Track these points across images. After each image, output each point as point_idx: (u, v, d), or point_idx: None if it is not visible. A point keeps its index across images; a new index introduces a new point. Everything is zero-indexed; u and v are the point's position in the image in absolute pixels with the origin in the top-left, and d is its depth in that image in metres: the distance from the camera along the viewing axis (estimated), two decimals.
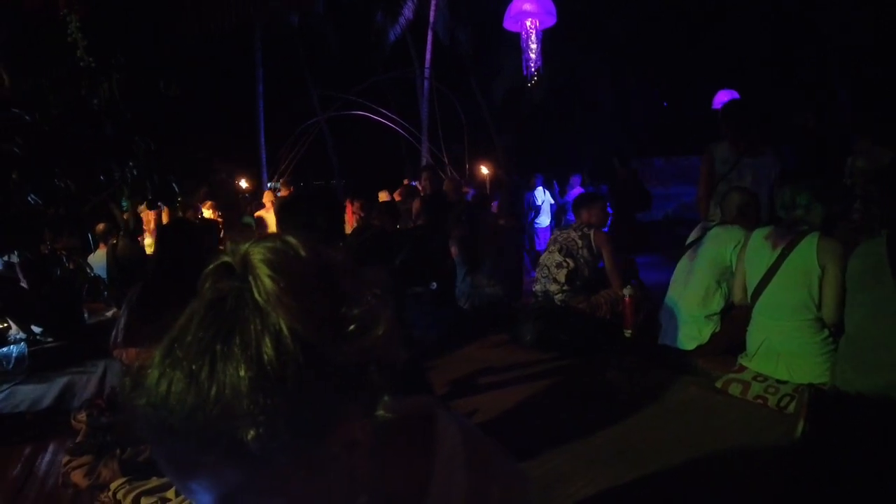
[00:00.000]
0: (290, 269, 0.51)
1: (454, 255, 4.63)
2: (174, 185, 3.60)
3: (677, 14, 13.16)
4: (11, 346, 4.41)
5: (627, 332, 3.87)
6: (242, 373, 0.47)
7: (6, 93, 2.29)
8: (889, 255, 2.27)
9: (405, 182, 8.49)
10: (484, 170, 9.82)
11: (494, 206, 7.43)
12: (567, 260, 4.14)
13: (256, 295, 0.50)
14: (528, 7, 10.09)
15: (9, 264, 4.42)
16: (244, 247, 0.53)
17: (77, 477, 2.41)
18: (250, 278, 0.51)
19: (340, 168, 16.26)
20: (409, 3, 14.35)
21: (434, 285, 4.15)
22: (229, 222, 6.87)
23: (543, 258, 4.30)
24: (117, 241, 5.14)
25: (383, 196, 7.39)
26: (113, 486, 2.32)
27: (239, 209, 7.75)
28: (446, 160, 12.14)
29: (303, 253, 0.53)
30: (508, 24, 10.17)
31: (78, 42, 2.35)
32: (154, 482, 2.31)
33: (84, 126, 2.90)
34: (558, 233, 4.34)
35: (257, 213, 7.73)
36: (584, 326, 3.90)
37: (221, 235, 4.83)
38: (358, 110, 12.86)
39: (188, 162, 3.89)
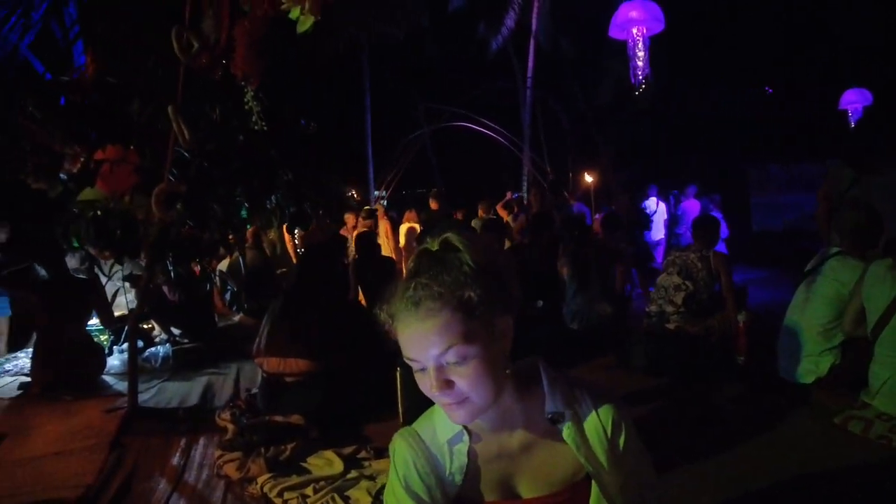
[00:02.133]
0: (465, 238, 1.01)
1: (564, 274, 4.66)
2: (308, 210, 3.98)
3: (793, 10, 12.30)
4: (159, 347, 4.99)
5: (740, 359, 3.75)
6: (460, 271, 0.95)
7: (187, 144, 2.67)
8: None
9: (508, 195, 8.56)
10: (588, 179, 9.71)
11: (599, 218, 7.36)
12: (686, 283, 4.08)
13: (454, 246, 1.00)
14: (634, 14, 9.88)
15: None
16: (442, 236, 1.02)
17: (229, 469, 2.73)
18: (451, 242, 1.00)
19: (442, 178, 16.64)
20: (511, 13, 14.48)
21: (540, 303, 4.21)
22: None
23: (661, 279, 4.26)
24: (246, 253, 5.66)
25: (482, 211, 7.52)
26: (260, 479, 2.62)
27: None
28: (549, 170, 12.10)
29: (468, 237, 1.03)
30: (614, 33, 10.01)
31: (252, 109, 2.70)
32: (295, 479, 2.59)
33: (235, 160, 3.32)
34: (677, 254, 4.28)
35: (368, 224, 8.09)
36: (697, 351, 3.82)
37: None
38: (460, 121, 13.11)
39: (322, 189, 4.26)
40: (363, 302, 4.79)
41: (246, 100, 2.66)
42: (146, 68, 3.35)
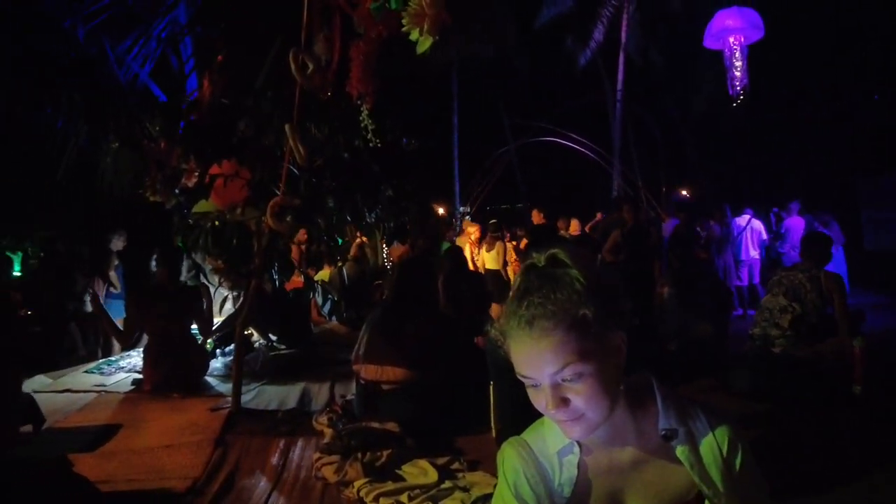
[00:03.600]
0: (572, 253, 1.01)
1: (664, 293, 4.51)
2: (407, 224, 4.12)
3: None
4: (258, 352, 5.24)
5: (857, 388, 3.46)
6: (572, 289, 0.94)
7: (302, 161, 2.85)
8: None
9: (598, 216, 8.40)
10: (684, 194, 9.34)
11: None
12: (793, 304, 3.82)
13: (562, 262, 0.99)
14: (731, 23, 9.48)
15: None
16: (548, 251, 1.02)
17: (327, 472, 2.82)
18: (558, 257, 1.00)
19: (529, 194, 16.57)
20: (600, 27, 14.30)
21: (636, 321, 4.06)
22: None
23: (766, 301, 4.02)
24: (344, 264, 5.89)
25: (574, 227, 7.42)
26: (356, 484, 2.68)
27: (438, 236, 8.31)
28: (640, 185, 11.77)
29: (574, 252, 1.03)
30: (709, 43, 9.63)
31: (367, 127, 2.84)
32: (390, 486, 2.63)
33: (340, 176, 3.50)
34: (783, 274, 4.03)
35: (458, 239, 8.18)
36: (807, 377, 3.56)
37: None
38: (548, 136, 13.05)
39: (418, 205, 4.39)
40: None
41: (361, 118, 2.79)
42: (256, 90, 3.60)
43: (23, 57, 5.57)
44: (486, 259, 7.27)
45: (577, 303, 0.94)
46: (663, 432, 1.04)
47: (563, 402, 0.95)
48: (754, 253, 8.55)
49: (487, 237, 7.33)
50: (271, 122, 3.39)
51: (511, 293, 1.04)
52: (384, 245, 6.28)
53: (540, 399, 0.97)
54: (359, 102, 2.69)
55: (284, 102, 3.28)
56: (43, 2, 5.98)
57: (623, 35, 13.69)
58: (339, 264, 5.86)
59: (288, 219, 3.02)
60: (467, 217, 11.16)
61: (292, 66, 2.69)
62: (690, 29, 10.56)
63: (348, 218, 3.93)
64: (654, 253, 4.51)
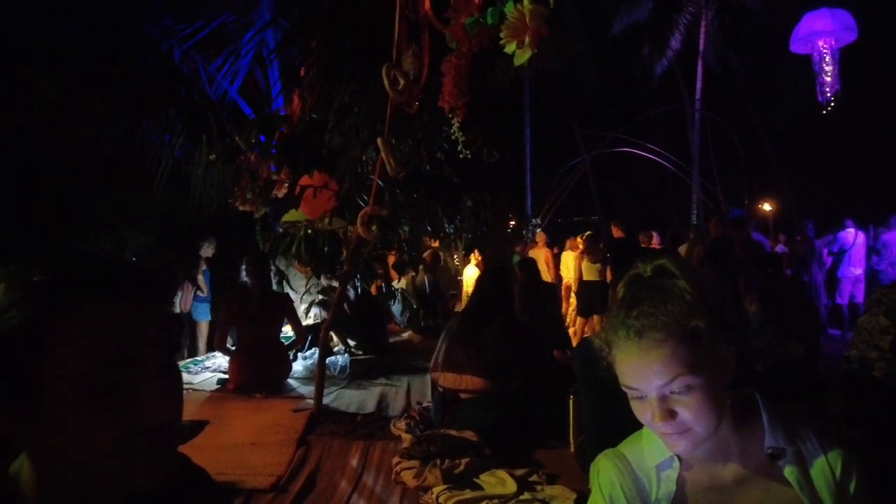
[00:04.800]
0: (679, 264, 1.02)
1: (751, 311, 4.33)
2: (485, 235, 4.19)
3: None
4: (338, 356, 5.42)
5: None
6: (683, 300, 0.95)
7: (393, 173, 2.97)
8: None
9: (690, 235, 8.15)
10: (767, 207, 8.92)
11: (781, 249, 6.74)
12: (894, 325, 3.58)
13: (670, 272, 1.01)
14: (820, 25, 9.01)
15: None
16: (654, 261, 1.03)
17: (406, 476, 2.88)
18: (666, 268, 1.01)
19: (602, 206, 16.28)
20: (677, 35, 13.95)
21: None
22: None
23: (863, 320, 3.77)
24: (418, 274, 6.02)
25: (656, 241, 7.26)
26: (435, 490, 2.72)
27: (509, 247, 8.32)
28: (721, 196, 11.33)
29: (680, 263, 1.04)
30: (796, 47, 9.18)
31: (458, 138, 2.94)
32: (469, 494, 2.66)
33: (422, 187, 3.62)
34: (883, 292, 3.77)
35: (530, 252, 8.18)
36: None
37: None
38: (622, 147, 12.81)
39: (496, 215, 4.46)
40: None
41: (452, 130, 2.88)
42: (344, 105, 3.77)
43: (124, 77, 6.04)
44: (585, 270, 7.29)
45: (688, 314, 0.94)
46: (769, 451, 1.01)
47: (671, 414, 0.95)
48: (858, 270, 8.02)
49: (586, 248, 7.33)
50: (358, 136, 3.55)
51: (615, 304, 1.05)
52: (459, 256, 6.36)
53: (645, 411, 0.98)
54: (450, 115, 2.77)
55: (370, 117, 3.42)
56: (143, 27, 6.47)
57: (701, 42, 13.30)
58: (415, 274, 5.99)
59: (374, 228, 3.14)
60: (538, 229, 11.10)
61: (385, 82, 2.80)
62: (774, 33, 10.11)
63: (429, 228, 4.04)
64: (739, 268, 4.33)
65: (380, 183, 3.37)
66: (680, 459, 1.06)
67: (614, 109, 14.69)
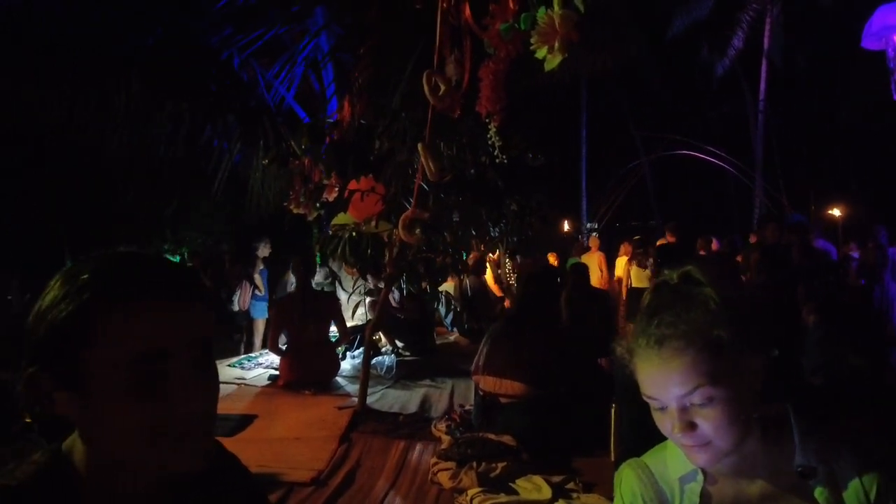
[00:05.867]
0: (707, 271, 0.97)
1: (809, 322, 4.12)
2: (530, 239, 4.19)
3: None
4: (384, 357, 5.51)
5: None
6: (706, 308, 0.92)
7: (434, 178, 3.02)
8: None
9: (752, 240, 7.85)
10: (836, 213, 8.49)
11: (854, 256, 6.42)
12: None
13: (696, 280, 0.97)
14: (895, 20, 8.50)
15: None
16: (682, 268, 0.99)
17: (442, 478, 2.91)
18: (692, 275, 0.97)
19: (662, 210, 15.87)
20: (740, 33, 13.45)
21: (775, 352, 3.76)
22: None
23: None
24: (466, 277, 6.06)
25: (715, 247, 7.05)
26: (470, 492, 2.74)
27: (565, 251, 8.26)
28: (785, 201, 10.84)
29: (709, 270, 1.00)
30: (868, 43, 8.65)
31: (495, 143, 2.97)
32: (503, 498, 2.66)
33: (467, 192, 3.66)
34: None
35: (583, 256, 8.10)
36: None
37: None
38: (681, 149, 12.45)
39: (541, 220, 4.46)
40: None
41: (489, 135, 2.91)
42: (392, 111, 3.85)
43: (190, 85, 6.36)
44: (634, 276, 7.23)
45: (710, 323, 0.91)
46: (799, 469, 0.97)
47: (691, 426, 0.92)
48: None
49: (633, 254, 7.30)
50: (405, 140, 3.62)
51: (640, 311, 1.04)
52: (506, 259, 6.38)
53: (666, 422, 0.95)
54: (487, 121, 2.79)
55: (417, 122, 3.48)
56: (206, 37, 6.79)
57: (766, 40, 12.78)
58: (462, 277, 6.03)
59: (417, 231, 3.19)
60: (594, 234, 10.93)
61: (425, 88, 2.84)
62: (845, 29, 9.61)
63: (473, 232, 4.07)
64: (797, 276, 4.14)
65: (424, 186, 3.42)
66: (705, 473, 1.03)
67: (674, 111, 14.29)
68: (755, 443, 0.99)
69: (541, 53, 2.12)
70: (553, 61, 2.08)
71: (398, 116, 3.73)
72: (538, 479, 2.80)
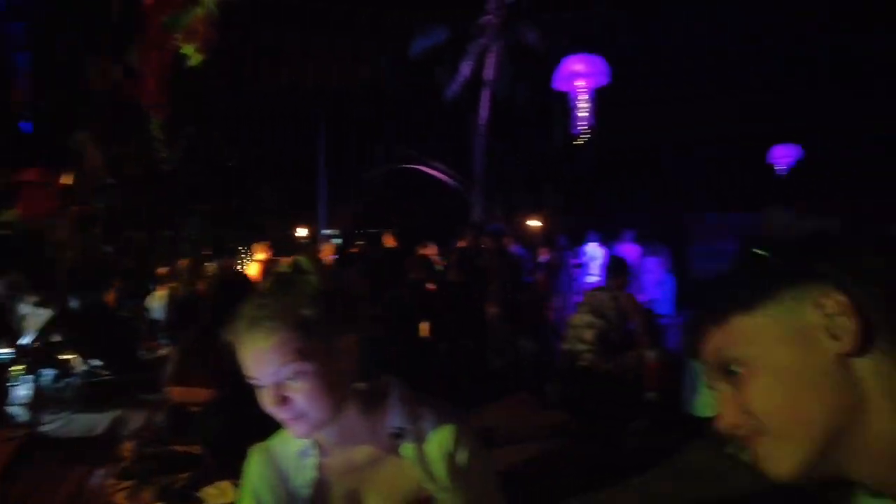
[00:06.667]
0: (316, 262, 1.10)
1: (492, 314, 4.76)
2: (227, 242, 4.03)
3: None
4: (75, 377, 4.82)
5: (651, 395, 3.89)
6: (301, 292, 1.01)
7: (95, 169, 2.73)
8: None
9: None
10: (533, 224, 9.98)
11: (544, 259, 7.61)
12: (596, 321, 4.22)
13: (305, 269, 1.06)
14: (578, 67, 10.40)
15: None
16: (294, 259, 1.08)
17: (119, 498, 2.66)
18: (301, 264, 1.06)
19: (398, 219, 16.76)
20: (468, 63, 14.99)
21: (469, 342, 4.29)
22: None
23: (573, 319, 4.41)
24: (176, 286, 5.62)
25: (431, 250, 7.64)
26: None
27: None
28: (499, 214, 12.40)
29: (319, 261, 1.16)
30: (558, 84, 10.48)
31: (156, 137, 2.78)
32: None
33: (152, 190, 3.39)
34: (590, 295, 4.45)
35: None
36: (608, 387, 3.95)
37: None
38: (415, 164, 13.37)
39: (244, 222, 4.34)
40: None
41: (151, 128, 2.74)
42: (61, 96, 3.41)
43: None
44: None
45: (302, 304, 1.00)
46: (393, 431, 1.10)
47: (284, 400, 0.99)
48: (596, 279, 9.28)
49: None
50: (75, 127, 3.23)
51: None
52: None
53: (265, 399, 1.01)
54: (149, 113, 2.65)
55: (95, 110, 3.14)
56: None
57: (488, 71, 14.48)
58: (174, 285, 5.59)
59: (96, 230, 2.87)
60: (332, 241, 11.10)
61: (95, 72, 2.59)
62: (550, 71, 11.40)
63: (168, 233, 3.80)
64: (484, 275, 4.78)
65: (109, 181, 3.10)
66: (320, 446, 1.12)
67: (413, 127, 15.29)
68: (356, 413, 1.10)
69: (188, 50, 2.10)
70: (196, 58, 2.08)
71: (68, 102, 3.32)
72: (225, 484, 2.72)
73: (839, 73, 12.35)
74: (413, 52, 14.94)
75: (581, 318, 4.23)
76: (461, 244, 5.95)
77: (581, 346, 4.16)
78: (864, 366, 0.59)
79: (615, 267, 4.39)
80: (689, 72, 13.46)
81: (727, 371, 0.69)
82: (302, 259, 1.10)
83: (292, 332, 0.98)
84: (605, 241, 9.39)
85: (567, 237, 8.98)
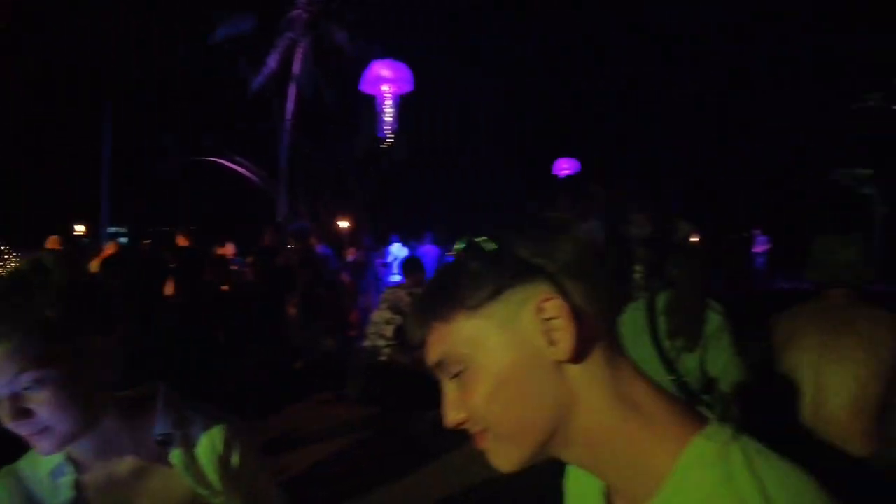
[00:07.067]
0: (63, 259, 0.95)
1: (293, 312, 4.71)
2: None
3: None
4: None
5: None
6: (41, 292, 0.89)
7: None
8: (648, 320, 2.26)
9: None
10: (342, 224, 10.03)
11: (351, 258, 7.68)
12: (395, 317, 4.41)
13: (47, 268, 0.92)
14: (384, 73, 10.70)
15: None
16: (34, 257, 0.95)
17: None
18: (42, 262, 0.93)
19: (190, 216, 15.57)
20: (275, 56, 14.50)
21: (264, 344, 4.19)
22: None
23: (374, 315, 4.56)
24: None
25: (228, 250, 7.26)
26: None
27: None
28: (304, 213, 12.19)
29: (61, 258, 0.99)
30: (365, 87, 10.68)
31: None
32: None
33: None
34: (389, 292, 4.63)
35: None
36: (406, 380, 4.15)
37: None
38: (213, 157, 12.56)
39: None
40: None
41: None
42: None
43: None
44: None
45: (43, 305, 0.88)
46: (158, 437, 1.02)
47: (23, 413, 0.86)
48: (398, 278, 9.63)
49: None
50: None
51: None
52: None
53: (1, 413, 0.87)
54: None
55: None
56: None
57: (295, 67, 14.14)
58: None
59: None
60: (116, 240, 9.94)
61: None
62: (357, 72, 11.50)
63: None
64: (283, 275, 4.72)
65: None
66: (75, 463, 0.99)
67: (212, 118, 14.32)
68: (115, 422, 0.99)
69: None
70: None
71: None
72: None
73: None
74: (215, 39, 14.03)
75: (381, 314, 4.39)
76: (263, 244, 5.76)
77: (381, 342, 4.31)
78: (580, 368, 0.62)
79: (411, 265, 4.63)
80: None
81: (451, 371, 0.67)
82: (43, 256, 1.02)
83: (29, 335, 0.87)
84: (407, 242, 9.80)
85: (372, 238, 9.19)
